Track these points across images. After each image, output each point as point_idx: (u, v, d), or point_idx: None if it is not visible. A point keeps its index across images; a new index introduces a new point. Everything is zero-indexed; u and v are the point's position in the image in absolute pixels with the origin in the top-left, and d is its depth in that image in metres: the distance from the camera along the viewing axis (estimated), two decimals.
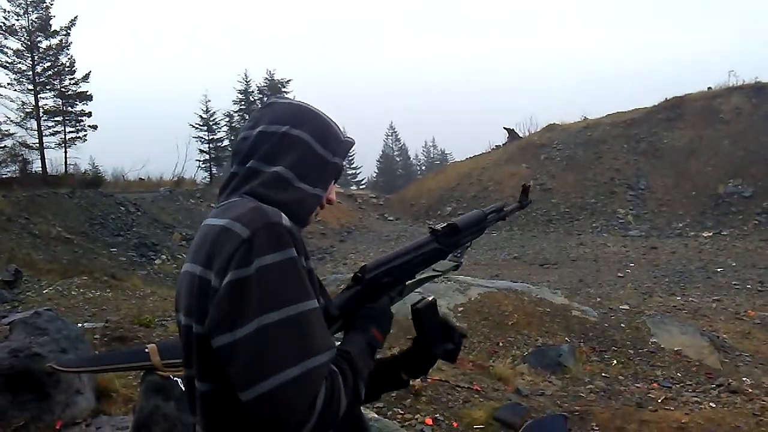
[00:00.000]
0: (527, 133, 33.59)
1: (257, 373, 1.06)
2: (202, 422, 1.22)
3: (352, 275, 1.37)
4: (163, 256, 17.88)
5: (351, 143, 1.40)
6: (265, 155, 1.28)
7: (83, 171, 27.30)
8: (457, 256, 1.50)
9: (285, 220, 1.17)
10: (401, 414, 4.82)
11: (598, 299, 11.81)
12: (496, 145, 34.52)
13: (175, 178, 29.18)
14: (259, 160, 1.28)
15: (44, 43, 26.51)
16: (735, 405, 6.23)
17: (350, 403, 1.15)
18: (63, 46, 26.86)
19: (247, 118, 41.58)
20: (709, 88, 30.03)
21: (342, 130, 1.42)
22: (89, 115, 27.76)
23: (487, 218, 1.56)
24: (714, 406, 6.26)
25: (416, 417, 4.74)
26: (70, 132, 27.46)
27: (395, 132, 71.87)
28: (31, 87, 26.22)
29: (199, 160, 36.33)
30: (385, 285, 1.35)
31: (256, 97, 42.35)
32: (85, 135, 27.82)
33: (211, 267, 1.14)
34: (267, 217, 1.15)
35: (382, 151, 69.34)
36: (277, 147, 1.28)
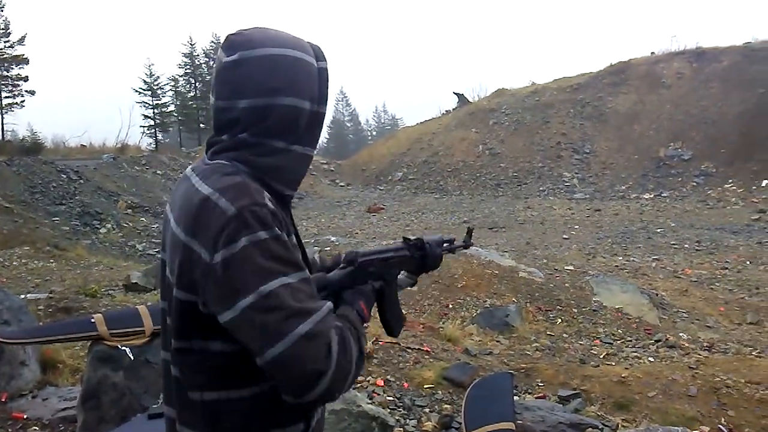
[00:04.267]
0: (476, 98, 33.78)
1: (268, 338, 1.12)
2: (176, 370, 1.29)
3: (345, 255, 1.48)
4: (108, 225, 17.44)
5: (325, 71, 1.32)
6: (259, 130, 1.25)
7: (21, 138, 26.33)
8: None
9: (268, 199, 1.20)
10: None
11: (545, 261, 12.10)
12: (446, 110, 34.58)
13: (119, 145, 28.21)
14: (252, 135, 1.25)
15: None
16: (672, 359, 6.54)
17: (359, 354, 1.22)
18: None
19: (193, 83, 40.81)
20: (653, 53, 30.72)
21: (312, 51, 1.31)
22: (26, 79, 26.72)
23: (443, 245, 1.74)
24: (652, 360, 6.56)
25: (368, 379, 4.80)
26: (6, 97, 26.46)
27: (346, 97, 71.42)
28: None
29: (144, 126, 35.45)
30: (370, 273, 1.48)
31: (201, 61, 41.33)
32: (22, 100, 26.86)
33: (195, 237, 1.18)
34: (252, 197, 1.17)
35: (333, 117, 68.91)
36: (268, 120, 1.24)
